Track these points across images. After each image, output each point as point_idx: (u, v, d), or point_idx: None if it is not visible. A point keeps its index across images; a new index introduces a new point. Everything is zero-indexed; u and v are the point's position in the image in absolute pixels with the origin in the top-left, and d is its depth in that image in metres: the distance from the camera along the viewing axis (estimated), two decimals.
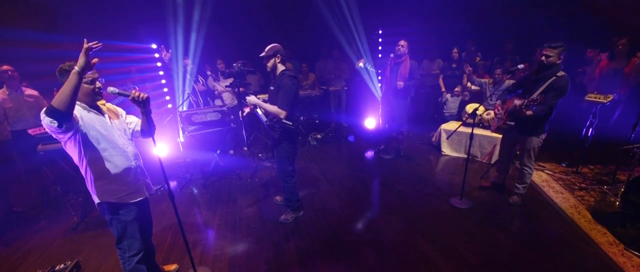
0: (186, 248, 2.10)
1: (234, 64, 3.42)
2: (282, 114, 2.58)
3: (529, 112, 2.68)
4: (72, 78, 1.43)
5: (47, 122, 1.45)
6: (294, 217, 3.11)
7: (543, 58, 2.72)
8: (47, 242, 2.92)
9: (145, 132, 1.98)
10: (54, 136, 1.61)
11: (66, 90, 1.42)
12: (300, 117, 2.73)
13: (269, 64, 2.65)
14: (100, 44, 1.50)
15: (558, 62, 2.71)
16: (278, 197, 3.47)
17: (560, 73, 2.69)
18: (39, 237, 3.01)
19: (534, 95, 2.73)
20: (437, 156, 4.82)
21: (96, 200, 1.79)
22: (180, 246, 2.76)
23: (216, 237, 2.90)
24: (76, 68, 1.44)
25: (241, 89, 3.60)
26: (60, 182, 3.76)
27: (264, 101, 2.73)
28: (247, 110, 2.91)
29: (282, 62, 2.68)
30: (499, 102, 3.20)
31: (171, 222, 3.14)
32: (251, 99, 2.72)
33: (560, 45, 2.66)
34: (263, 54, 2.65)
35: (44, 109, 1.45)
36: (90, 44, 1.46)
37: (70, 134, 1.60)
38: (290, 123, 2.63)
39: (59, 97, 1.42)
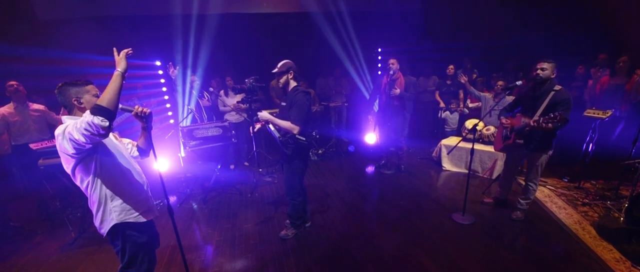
0: (184, 265, 2.06)
1: (246, 80, 3.43)
2: (296, 129, 2.56)
3: (549, 125, 2.61)
4: (117, 79, 1.50)
5: (98, 122, 1.37)
6: (294, 233, 3.06)
7: (538, 72, 2.76)
8: (43, 258, 2.87)
9: (143, 151, 1.97)
10: (81, 146, 1.45)
11: (113, 90, 1.46)
12: (313, 132, 2.70)
13: (282, 80, 2.66)
14: (131, 50, 1.67)
15: (553, 76, 2.77)
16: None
17: (558, 87, 2.75)
18: (35, 253, 2.95)
19: (538, 113, 2.76)
20: (438, 171, 4.81)
21: (112, 223, 1.67)
22: (178, 263, 2.70)
23: (215, 254, 2.85)
24: (120, 70, 1.54)
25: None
26: (59, 197, 3.74)
27: (275, 116, 2.71)
28: (258, 126, 2.87)
29: (295, 78, 2.68)
30: (503, 118, 3.18)
31: (170, 238, 3.07)
32: (263, 114, 2.68)
33: (552, 61, 2.75)
34: (276, 70, 2.65)
35: (90, 110, 1.39)
36: (126, 50, 1.64)
37: (91, 148, 1.53)
38: (304, 139, 2.62)
39: (107, 97, 1.43)
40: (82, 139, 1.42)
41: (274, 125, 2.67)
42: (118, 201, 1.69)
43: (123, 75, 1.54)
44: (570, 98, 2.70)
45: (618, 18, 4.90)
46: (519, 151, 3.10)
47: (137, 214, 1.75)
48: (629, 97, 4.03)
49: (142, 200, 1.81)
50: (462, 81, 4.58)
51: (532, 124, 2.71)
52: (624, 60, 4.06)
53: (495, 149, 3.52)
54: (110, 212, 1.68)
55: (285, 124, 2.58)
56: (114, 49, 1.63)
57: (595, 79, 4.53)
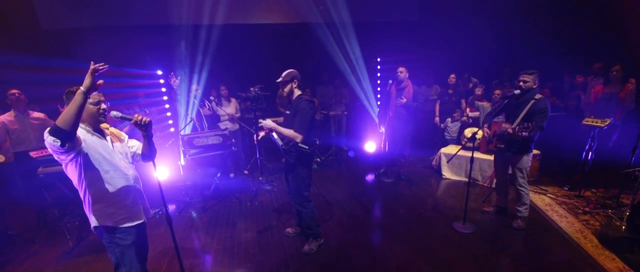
0: None
1: (251, 89, 3.45)
2: (299, 137, 2.56)
3: (524, 133, 2.78)
4: (77, 98, 1.46)
5: (50, 141, 1.45)
6: (318, 245, 2.95)
7: (521, 83, 2.93)
8: (41, 266, 2.83)
9: (146, 156, 1.99)
10: (56, 156, 1.59)
11: (71, 109, 1.45)
12: (316, 141, 2.73)
13: (286, 89, 2.67)
14: (106, 65, 1.55)
15: (534, 86, 2.93)
16: (289, 229, 3.29)
17: (538, 96, 2.91)
18: (32, 262, 2.92)
19: (518, 120, 2.93)
20: (438, 179, 4.80)
21: (94, 223, 1.75)
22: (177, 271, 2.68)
23: (214, 263, 2.82)
24: (82, 88, 1.48)
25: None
26: (58, 205, 3.72)
27: (279, 125, 2.71)
28: (262, 134, 2.88)
29: (299, 87, 2.70)
30: (486, 125, 3.35)
31: (168, 246, 3.06)
32: (267, 122, 2.68)
33: (534, 72, 2.91)
34: (280, 79, 2.66)
35: (48, 128, 1.47)
36: (97, 65, 1.51)
37: (72, 155, 1.59)
38: (307, 147, 2.62)
39: (64, 117, 1.45)
40: (52, 153, 1.53)
41: (278, 133, 2.68)
42: (99, 205, 1.73)
43: (85, 94, 1.48)
44: (547, 106, 2.86)
45: (615, 27, 4.99)
46: (504, 155, 3.22)
47: (117, 219, 1.77)
48: (623, 105, 4.08)
49: (127, 205, 1.81)
50: (478, 93, 4.66)
51: (509, 130, 2.87)
52: (617, 69, 4.14)
53: (480, 151, 3.60)
54: (93, 214, 1.73)
55: (289, 132, 2.58)
56: (92, 62, 1.52)
57: (589, 88, 4.58)
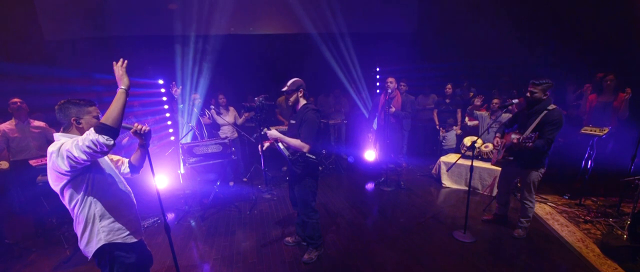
0: None
1: (256, 98, 3.47)
2: (306, 147, 2.53)
3: (529, 144, 2.67)
4: (121, 97, 1.51)
5: (103, 141, 1.39)
6: (317, 255, 2.93)
7: (528, 94, 2.85)
8: None
9: (135, 168, 1.97)
10: (73, 167, 1.45)
11: (117, 108, 1.47)
12: (323, 150, 2.70)
13: (292, 99, 2.65)
14: (126, 61, 1.63)
15: (544, 97, 2.81)
16: (289, 238, 3.27)
17: (551, 107, 2.79)
18: (29, 271, 2.89)
19: (527, 131, 2.82)
20: (437, 188, 4.78)
21: (99, 244, 1.63)
22: None
23: None
24: (123, 87, 1.54)
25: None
26: (56, 213, 3.69)
27: (283, 134, 2.68)
28: (267, 144, 2.85)
29: (305, 96, 2.68)
30: (498, 135, 3.25)
31: (166, 256, 3.03)
32: (273, 132, 2.65)
33: (544, 82, 2.78)
34: (285, 88, 2.63)
35: (93, 129, 1.40)
36: (123, 62, 1.60)
37: (85, 167, 1.52)
38: (314, 157, 2.59)
39: (112, 115, 1.44)
40: (83, 157, 1.41)
41: (284, 143, 2.64)
42: (107, 221, 1.65)
43: (127, 92, 1.54)
44: (561, 118, 2.74)
45: (610, 36, 5.06)
46: (512, 167, 3.14)
47: (125, 234, 1.71)
48: (618, 114, 4.10)
49: (132, 219, 1.78)
50: (477, 103, 4.70)
51: (514, 141, 2.79)
52: (610, 78, 4.17)
53: (492, 164, 3.56)
54: (98, 232, 1.63)
55: (296, 142, 2.55)
56: (114, 62, 1.60)
57: (584, 97, 4.62)
